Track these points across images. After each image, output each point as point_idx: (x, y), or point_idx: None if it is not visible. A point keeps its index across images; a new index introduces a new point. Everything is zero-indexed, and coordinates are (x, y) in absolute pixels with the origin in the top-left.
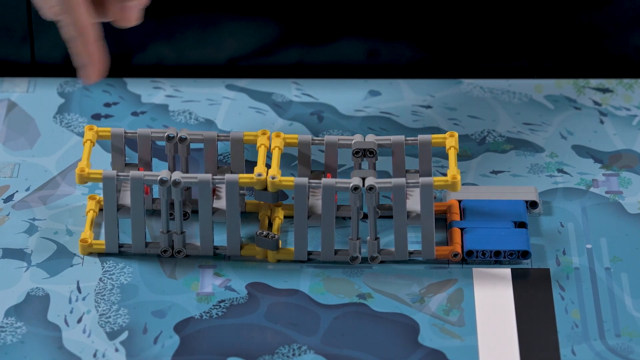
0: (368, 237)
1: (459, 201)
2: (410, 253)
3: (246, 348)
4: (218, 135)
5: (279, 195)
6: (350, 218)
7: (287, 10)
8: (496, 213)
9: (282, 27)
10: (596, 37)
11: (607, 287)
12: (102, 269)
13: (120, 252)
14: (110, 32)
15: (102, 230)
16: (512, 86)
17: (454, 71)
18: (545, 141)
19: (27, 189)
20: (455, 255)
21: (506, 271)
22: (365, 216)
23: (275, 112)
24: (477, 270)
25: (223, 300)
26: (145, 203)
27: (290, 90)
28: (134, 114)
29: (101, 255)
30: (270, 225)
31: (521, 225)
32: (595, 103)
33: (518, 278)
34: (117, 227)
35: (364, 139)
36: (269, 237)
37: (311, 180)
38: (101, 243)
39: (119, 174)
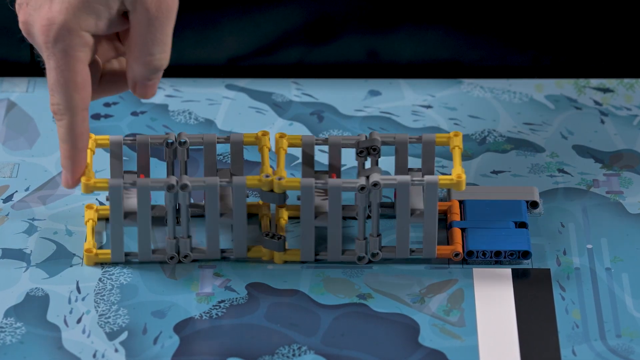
0: (370, 234)
1: (460, 201)
2: (412, 251)
3: (246, 348)
4: (217, 138)
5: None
6: (352, 218)
7: (287, 10)
8: (497, 213)
9: (282, 27)
10: (597, 37)
11: (608, 288)
12: (102, 269)
13: (127, 261)
14: None
15: (103, 239)
16: (512, 86)
17: (454, 71)
18: (545, 141)
19: (27, 189)
20: (457, 255)
21: (507, 271)
22: (368, 216)
23: (275, 112)
24: (477, 271)
25: (223, 301)
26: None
27: (290, 90)
28: (134, 113)
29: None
30: (272, 225)
31: (522, 225)
32: (596, 103)
33: (518, 278)
34: (123, 236)
35: (368, 138)
36: (275, 237)
37: (317, 181)
38: (106, 252)
39: (125, 182)
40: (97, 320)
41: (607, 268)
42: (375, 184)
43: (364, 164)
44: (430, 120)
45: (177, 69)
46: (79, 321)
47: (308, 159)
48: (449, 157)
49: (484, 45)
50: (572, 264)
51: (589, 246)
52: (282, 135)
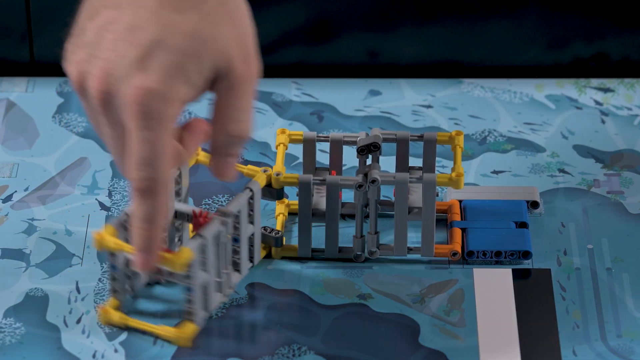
0: (368, 231)
1: (460, 201)
2: (410, 250)
3: (246, 348)
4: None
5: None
6: (350, 216)
7: (287, 10)
8: (497, 213)
9: (282, 27)
10: (597, 36)
11: (609, 288)
12: (101, 269)
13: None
14: None
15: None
16: (513, 85)
17: (454, 71)
18: (546, 141)
19: (26, 189)
20: (455, 254)
21: (507, 271)
22: (368, 215)
23: (275, 112)
24: (477, 271)
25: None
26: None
27: (290, 90)
28: None
29: (100, 255)
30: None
31: (522, 225)
32: (597, 103)
33: (519, 278)
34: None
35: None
36: (273, 232)
37: (315, 178)
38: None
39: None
40: (97, 321)
41: (608, 268)
42: (374, 181)
43: (365, 162)
44: (430, 120)
45: None
46: (78, 321)
47: (309, 156)
48: (450, 157)
49: (484, 45)
50: (572, 264)
51: (590, 246)
52: (283, 131)
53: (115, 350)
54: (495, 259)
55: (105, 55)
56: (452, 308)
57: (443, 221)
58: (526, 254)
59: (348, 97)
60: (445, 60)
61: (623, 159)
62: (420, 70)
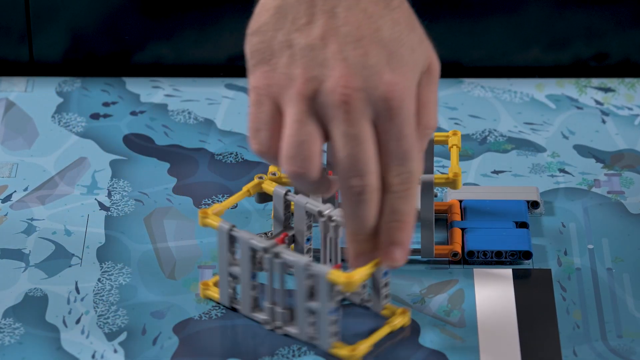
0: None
1: (460, 201)
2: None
3: (246, 349)
4: None
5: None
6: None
7: None
8: (497, 213)
9: None
10: (597, 36)
11: (609, 288)
12: (101, 269)
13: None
14: (108, 31)
15: None
16: (513, 85)
17: (454, 71)
18: (546, 141)
19: (26, 189)
20: (455, 254)
21: (507, 272)
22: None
23: None
24: (478, 271)
25: None
26: None
27: None
28: (133, 113)
29: (100, 255)
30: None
31: (522, 225)
32: (597, 102)
33: (519, 278)
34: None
35: None
36: (269, 234)
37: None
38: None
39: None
40: (96, 321)
41: (608, 268)
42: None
43: None
44: None
45: (177, 68)
46: (78, 322)
47: None
48: (450, 157)
49: (484, 45)
50: (573, 264)
51: (590, 246)
52: None
53: (115, 351)
54: (496, 259)
55: (343, 55)
56: (452, 308)
57: (443, 221)
58: (526, 254)
59: None
60: (445, 60)
61: (623, 159)
62: None
